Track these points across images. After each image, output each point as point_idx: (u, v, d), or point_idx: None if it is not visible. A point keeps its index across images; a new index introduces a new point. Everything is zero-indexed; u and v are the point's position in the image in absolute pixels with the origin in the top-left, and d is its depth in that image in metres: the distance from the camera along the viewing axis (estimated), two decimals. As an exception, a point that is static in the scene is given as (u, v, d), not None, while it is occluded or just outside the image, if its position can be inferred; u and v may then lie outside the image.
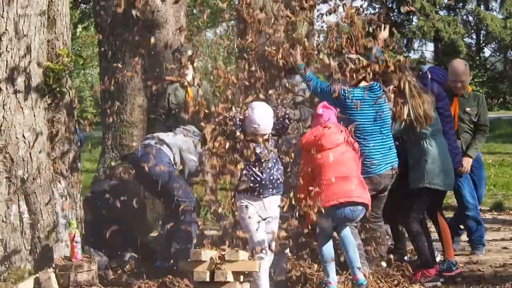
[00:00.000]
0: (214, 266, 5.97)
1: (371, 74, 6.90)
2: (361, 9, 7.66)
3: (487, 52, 30.12)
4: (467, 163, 8.00)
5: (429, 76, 7.46)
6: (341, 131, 6.50)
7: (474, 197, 8.18)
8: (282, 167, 6.51)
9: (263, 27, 7.38)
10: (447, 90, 7.96)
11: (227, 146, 6.34)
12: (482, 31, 28.16)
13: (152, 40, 7.75)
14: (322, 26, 7.85)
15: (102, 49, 8.81)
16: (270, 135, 6.40)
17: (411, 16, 27.43)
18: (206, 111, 6.78)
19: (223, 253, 6.01)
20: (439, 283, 7.01)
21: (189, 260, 6.11)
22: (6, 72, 6.10)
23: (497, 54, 29.76)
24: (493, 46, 29.09)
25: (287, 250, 6.77)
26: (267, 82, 7.30)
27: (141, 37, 8.27)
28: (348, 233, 6.44)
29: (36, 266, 6.27)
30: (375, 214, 6.99)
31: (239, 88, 7.05)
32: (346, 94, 6.71)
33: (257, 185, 6.28)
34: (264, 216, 6.28)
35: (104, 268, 6.81)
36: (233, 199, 6.42)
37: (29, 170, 6.24)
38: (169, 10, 8.70)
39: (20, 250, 6.25)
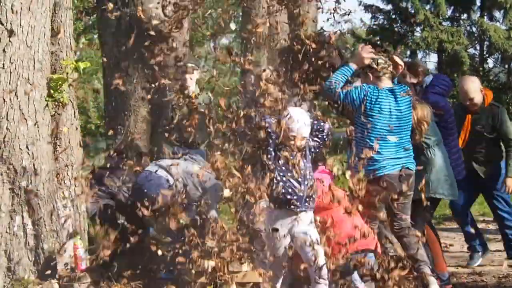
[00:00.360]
0: (218, 278, 5.96)
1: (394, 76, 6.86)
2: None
3: (490, 63, 30.13)
4: (509, 182, 8.01)
5: (431, 91, 7.44)
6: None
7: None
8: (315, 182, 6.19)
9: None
10: (461, 106, 7.97)
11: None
12: (485, 42, 28.14)
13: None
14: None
15: (106, 60, 8.83)
16: (307, 145, 6.15)
17: (414, 27, 27.43)
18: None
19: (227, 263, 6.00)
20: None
21: (192, 271, 6.10)
22: (9, 83, 6.12)
23: (501, 65, 29.72)
24: (496, 57, 29.06)
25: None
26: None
27: (145, 48, 8.30)
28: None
29: (40, 277, 6.28)
30: (399, 222, 6.84)
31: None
32: (372, 94, 6.63)
33: (294, 197, 5.97)
34: (295, 231, 5.99)
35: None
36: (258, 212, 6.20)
37: (33, 181, 6.25)
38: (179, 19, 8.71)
39: (23, 261, 6.25)
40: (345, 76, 6.67)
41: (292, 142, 6.02)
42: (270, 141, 6.04)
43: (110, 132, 8.32)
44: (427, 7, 26.79)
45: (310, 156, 6.20)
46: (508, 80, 28.69)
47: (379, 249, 6.48)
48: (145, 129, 8.71)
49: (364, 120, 6.60)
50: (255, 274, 6.07)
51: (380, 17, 27.99)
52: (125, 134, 8.57)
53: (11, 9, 6.09)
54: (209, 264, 5.98)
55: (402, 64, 7.00)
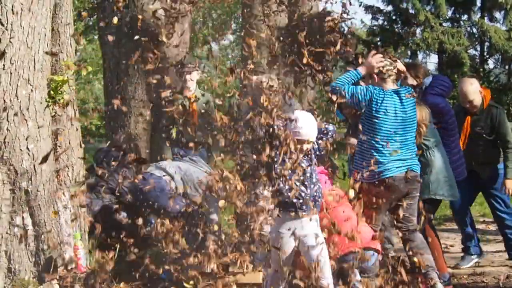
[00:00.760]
0: (218, 279, 5.95)
1: (399, 78, 6.87)
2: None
3: (491, 64, 30.10)
4: (509, 184, 8.01)
5: (430, 92, 7.44)
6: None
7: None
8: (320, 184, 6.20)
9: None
10: (461, 108, 7.98)
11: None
12: (486, 43, 28.11)
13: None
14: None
15: (106, 61, 8.84)
16: (313, 148, 6.12)
17: (415, 28, 27.41)
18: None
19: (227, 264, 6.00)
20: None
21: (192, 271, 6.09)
22: (10, 84, 6.12)
23: (501, 66, 29.69)
24: (496, 58, 29.02)
25: None
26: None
27: (145, 49, 8.30)
28: None
29: (40, 278, 6.28)
30: (406, 224, 6.85)
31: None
32: (378, 96, 6.62)
33: (300, 200, 5.93)
34: (301, 234, 5.95)
35: None
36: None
37: (33, 182, 6.25)
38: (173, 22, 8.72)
39: (24, 262, 6.25)
40: (352, 80, 6.70)
41: (299, 146, 6.00)
42: (278, 143, 6.00)
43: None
44: (428, 8, 26.77)
45: (315, 159, 6.19)
46: (509, 81, 28.66)
47: (380, 249, 6.49)
48: (145, 130, 8.72)
49: (370, 121, 6.62)
50: (255, 275, 6.07)
51: (381, 18, 27.97)
52: (125, 134, 8.57)
53: (12, 10, 6.09)
54: (209, 265, 5.98)
55: (405, 70, 7.05)
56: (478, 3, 27.61)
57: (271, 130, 6.03)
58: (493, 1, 26.57)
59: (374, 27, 27.86)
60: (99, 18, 9.26)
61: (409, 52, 27.29)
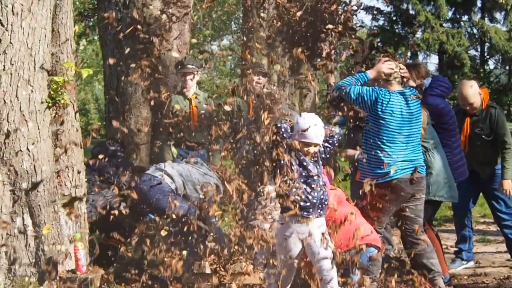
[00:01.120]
0: (218, 280, 5.95)
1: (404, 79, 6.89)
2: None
3: (491, 64, 30.14)
4: (506, 185, 8.00)
5: (430, 93, 7.44)
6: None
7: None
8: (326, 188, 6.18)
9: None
10: (460, 109, 7.98)
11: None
12: (486, 44, 28.15)
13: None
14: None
15: (107, 62, 8.84)
16: (319, 152, 6.11)
17: (415, 29, 27.44)
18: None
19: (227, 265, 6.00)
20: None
21: (192, 273, 6.10)
22: (10, 85, 6.11)
23: (501, 66, 29.76)
24: (497, 58, 29.07)
25: None
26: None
27: (145, 50, 8.32)
28: None
29: (40, 279, 6.27)
30: (412, 226, 6.85)
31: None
32: (384, 97, 6.63)
33: (307, 203, 5.91)
34: (307, 237, 5.92)
35: None
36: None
37: (33, 183, 6.24)
38: (173, 23, 8.73)
39: (24, 262, 6.24)
40: (359, 81, 6.72)
41: (306, 149, 5.99)
42: (285, 146, 5.98)
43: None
44: (428, 8, 26.81)
45: (321, 162, 6.18)
46: (509, 81, 28.71)
47: (380, 246, 6.49)
48: (146, 130, 8.72)
49: (376, 122, 6.62)
50: (256, 276, 6.07)
51: (381, 18, 28.01)
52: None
53: (12, 10, 6.08)
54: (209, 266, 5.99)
55: (409, 76, 7.06)
56: (479, 4, 27.65)
57: (276, 133, 6.00)
58: (494, 2, 26.61)
59: (375, 28, 27.90)
60: (99, 19, 9.25)
61: (409, 53, 27.33)
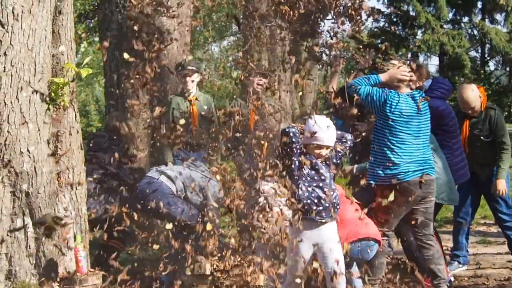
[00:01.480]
0: (217, 280, 5.95)
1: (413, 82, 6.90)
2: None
3: (491, 65, 30.15)
4: (499, 185, 7.99)
5: (430, 95, 7.44)
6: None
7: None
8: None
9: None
10: (459, 110, 7.98)
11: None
12: (486, 45, 28.15)
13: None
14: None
15: (107, 63, 8.84)
16: (331, 155, 6.09)
17: (415, 30, 27.46)
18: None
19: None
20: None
21: (191, 273, 6.09)
22: (10, 86, 6.11)
23: (502, 67, 29.77)
24: (497, 59, 29.09)
25: None
26: None
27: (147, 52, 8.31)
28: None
29: (41, 280, 6.27)
30: (422, 230, 6.85)
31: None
32: (393, 98, 6.64)
33: (320, 207, 5.91)
34: (319, 242, 5.94)
35: None
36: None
37: (34, 184, 6.23)
38: (174, 25, 8.73)
39: (24, 264, 6.24)
40: (371, 83, 6.74)
41: (318, 151, 5.98)
42: (294, 150, 5.97)
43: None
44: (429, 9, 26.81)
45: (333, 166, 6.16)
46: (509, 83, 28.73)
47: (380, 239, 6.50)
48: (146, 131, 8.72)
49: (385, 124, 6.63)
50: (255, 276, 6.06)
51: (381, 19, 28.00)
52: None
53: (12, 12, 6.08)
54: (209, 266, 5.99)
55: (415, 78, 7.07)
56: (479, 5, 27.66)
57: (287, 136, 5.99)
58: (494, 3, 26.62)
59: (375, 29, 27.90)
60: (100, 20, 9.25)
61: (409, 55, 27.35)
